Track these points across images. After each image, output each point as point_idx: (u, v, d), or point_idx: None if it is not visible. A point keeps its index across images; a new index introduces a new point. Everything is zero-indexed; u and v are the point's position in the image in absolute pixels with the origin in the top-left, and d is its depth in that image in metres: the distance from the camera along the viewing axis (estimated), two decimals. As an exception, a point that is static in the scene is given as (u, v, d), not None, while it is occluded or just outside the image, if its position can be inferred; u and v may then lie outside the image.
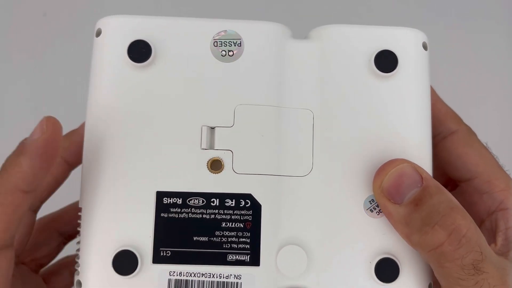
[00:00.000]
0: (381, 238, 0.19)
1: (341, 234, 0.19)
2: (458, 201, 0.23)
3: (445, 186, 0.24)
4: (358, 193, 0.20)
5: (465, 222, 0.18)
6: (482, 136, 0.48)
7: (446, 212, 0.18)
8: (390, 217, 0.19)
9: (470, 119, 0.48)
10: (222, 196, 0.19)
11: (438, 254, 0.18)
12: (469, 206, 0.22)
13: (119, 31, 0.21)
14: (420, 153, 0.20)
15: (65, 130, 0.47)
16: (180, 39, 0.20)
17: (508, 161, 0.47)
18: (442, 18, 0.47)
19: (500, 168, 0.22)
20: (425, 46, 0.21)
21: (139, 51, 0.20)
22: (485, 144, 0.23)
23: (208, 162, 0.20)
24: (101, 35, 0.21)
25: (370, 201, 0.19)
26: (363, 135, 0.20)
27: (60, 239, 0.27)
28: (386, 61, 0.20)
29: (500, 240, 0.21)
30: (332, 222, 0.19)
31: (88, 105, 0.21)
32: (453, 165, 0.23)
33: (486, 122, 0.47)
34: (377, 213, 0.20)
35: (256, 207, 0.19)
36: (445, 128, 0.23)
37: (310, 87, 0.20)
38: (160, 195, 0.19)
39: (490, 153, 0.23)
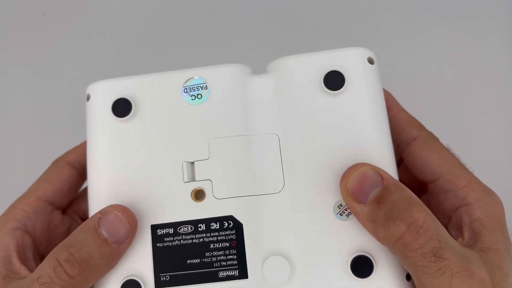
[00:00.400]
0: (353, 238, 0.21)
1: (317, 240, 0.21)
2: (429, 201, 0.25)
3: (418, 189, 0.26)
4: (327, 200, 0.22)
5: (422, 214, 0.20)
6: (482, 137, 0.48)
7: (405, 207, 0.20)
8: (357, 216, 0.21)
9: (471, 119, 0.48)
10: (207, 221, 0.22)
11: (401, 246, 0.20)
12: (438, 205, 0.24)
13: (104, 93, 0.24)
14: (382, 159, 0.22)
15: (65, 129, 0.47)
16: (155, 92, 0.24)
17: (508, 161, 0.47)
18: (441, 17, 0.47)
19: (461, 166, 0.24)
20: (371, 61, 0.23)
21: (122, 108, 0.23)
22: (446, 146, 0.25)
23: (191, 193, 0.22)
24: (90, 99, 0.24)
25: (338, 206, 0.21)
26: (325, 149, 0.22)
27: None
28: (334, 80, 0.22)
29: (466, 234, 0.22)
30: (307, 230, 0.21)
31: (88, 159, 0.24)
32: (418, 169, 0.25)
33: (486, 122, 0.47)
34: (347, 216, 0.21)
35: (238, 226, 0.21)
36: (407, 134, 0.25)
37: (273, 114, 0.23)
38: (154, 227, 0.22)
39: (451, 154, 0.24)
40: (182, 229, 0.22)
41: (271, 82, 0.23)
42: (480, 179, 0.24)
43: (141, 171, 0.23)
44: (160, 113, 0.23)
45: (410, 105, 0.28)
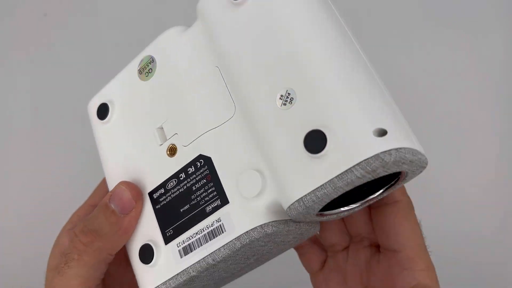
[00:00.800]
0: (303, 118, 0.20)
1: (270, 137, 0.21)
2: (379, 261, 0.26)
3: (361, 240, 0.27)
4: (270, 100, 0.21)
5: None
6: (482, 137, 0.48)
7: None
8: None
9: (471, 118, 0.48)
10: (184, 168, 0.24)
11: None
12: (390, 275, 0.25)
13: (93, 105, 0.28)
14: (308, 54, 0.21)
15: (66, 128, 0.47)
16: (123, 86, 0.27)
17: (508, 160, 0.47)
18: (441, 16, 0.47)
19: (425, 248, 0.24)
20: None
21: (102, 112, 0.27)
22: (418, 221, 0.25)
23: (167, 152, 0.25)
24: (89, 115, 0.29)
25: (280, 98, 0.21)
26: (257, 58, 0.22)
27: None
28: None
29: None
30: (259, 134, 0.22)
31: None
32: (385, 233, 0.25)
33: (486, 122, 0.48)
34: (290, 102, 0.21)
35: (208, 161, 0.23)
36: (390, 195, 0.25)
37: (210, 51, 0.24)
38: (150, 194, 0.25)
39: (420, 231, 0.25)
40: (169, 184, 0.24)
41: (200, 25, 0.25)
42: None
43: (131, 155, 0.26)
44: (129, 101, 0.27)
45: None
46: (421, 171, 0.21)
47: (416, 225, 0.25)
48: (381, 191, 0.22)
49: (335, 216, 0.22)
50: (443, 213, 0.49)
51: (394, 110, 0.20)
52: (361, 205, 0.22)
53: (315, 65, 0.20)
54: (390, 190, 0.22)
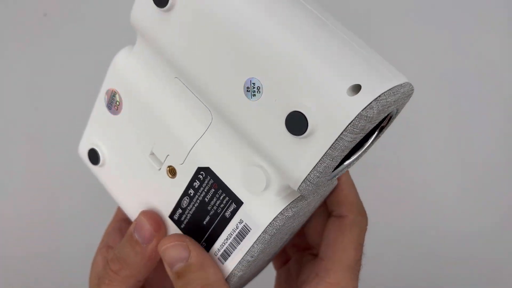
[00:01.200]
0: (276, 108, 0.20)
1: (253, 131, 0.21)
2: (307, 270, 0.27)
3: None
4: (238, 95, 0.21)
5: None
6: (482, 136, 0.48)
7: None
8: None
9: (470, 118, 0.48)
10: (190, 184, 0.24)
11: None
12: (308, 278, 0.26)
13: (82, 153, 0.29)
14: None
15: (66, 129, 0.47)
16: (101, 128, 0.27)
17: (506, 160, 0.47)
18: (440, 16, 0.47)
19: (347, 268, 0.25)
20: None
21: (94, 157, 0.28)
22: (358, 243, 0.26)
23: (167, 174, 0.25)
24: (83, 161, 0.29)
25: (247, 90, 0.20)
26: (216, 58, 0.21)
27: None
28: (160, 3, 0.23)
29: None
30: (242, 131, 0.22)
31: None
32: (322, 240, 0.27)
33: (486, 122, 0.48)
34: (258, 91, 0.20)
35: (208, 171, 0.23)
36: (339, 209, 0.27)
37: (166, 67, 0.24)
38: (171, 217, 0.26)
39: (353, 251, 0.25)
40: (183, 203, 0.25)
41: (142, 41, 0.24)
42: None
43: (137, 188, 0.27)
44: (113, 139, 0.27)
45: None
46: (408, 99, 0.21)
47: (351, 243, 0.26)
48: (376, 133, 0.22)
49: (344, 170, 0.23)
50: (443, 213, 0.49)
51: (359, 55, 0.20)
52: (363, 152, 0.22)
53: (264, 45, 0.20)
54: (385, 129, 0.22)
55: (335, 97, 0.18)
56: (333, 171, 0.21)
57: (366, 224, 0.27)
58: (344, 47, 0.20)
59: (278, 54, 0.19)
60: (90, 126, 0.28)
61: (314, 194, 0.23)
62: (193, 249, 0.24)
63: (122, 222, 0.31)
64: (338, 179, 0.27)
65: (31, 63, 0.48)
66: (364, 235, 0.27)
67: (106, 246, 0.30)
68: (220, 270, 0.24)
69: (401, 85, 0.19)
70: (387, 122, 0.22)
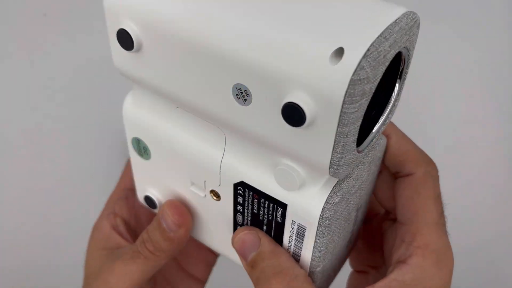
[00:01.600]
0: (270, 107, 0.19)
1: (262, 135, 0.20)
2: (390, 237, 0.26)
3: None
4: (232, 106, 0.20)
5: (280, 286, 0.22)
6: (482, 135, 0.48)
7: (268, 276, 0.23)
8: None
9: (470, 117, 0.48)
10: (236, 202, 0.25)
11: None
12: (393, 246, 0.25)
13: (142, 202, 0.32)
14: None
15: (66, 128, 0.47)
16: (147, 177, 0.30)
17: (507, 160, 0.47)
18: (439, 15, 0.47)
19: (431, 225, 0.23)
20: None
21: (151, 203, 0.31)
22: (436, 195, 0.24)
23: (213, 198, 0.26)
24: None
25: (237, 95, 0.20)
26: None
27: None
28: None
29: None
30: (253, 138, 0.21)
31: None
32: (398, 205, 0.25)
33: (486, 122, 0.48)
34: (244, 100, 0.19)
35: (244, 185, 0.24)
36: (404, 168, 0.25)
37: (165, 99, 0.24)
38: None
39: (433, 206, 0.24)
40: (239, 220, 0.26)
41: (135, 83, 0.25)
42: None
43: (198, 220, 0.29)
44: (161, 183, 0.29)
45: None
46: (417, 30, 0.19)
47: (429, 199, 0.24)
48: (398, 81, 0.20)
49: (374, 137, 0.21)
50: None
51: (327, 12, 0.17)
52: (392, 107, 0.21)
53: (227, 47, 0.18)
54: (405, 74, 0.20)
55: (319, 72, 0.16)
56: (360, 144, 0.20)
57: (437, 171, 0.25)
58: (305, 13, 0.17)
59: (244, 51, 0.18)
60: (135, 175, 0.30)
61: (354, 169, 0.22)
62: (263, 237, 0.24)
63: (128, 191, 0.33)
64: (389, 137, 0.24)
65: (31, 63, 0.48)
66: (439, 183, 0.25)
67: (113, 213, 0.32)
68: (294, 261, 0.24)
69: (394, 21, 0.17)
70: (404, 65, 0.19)
